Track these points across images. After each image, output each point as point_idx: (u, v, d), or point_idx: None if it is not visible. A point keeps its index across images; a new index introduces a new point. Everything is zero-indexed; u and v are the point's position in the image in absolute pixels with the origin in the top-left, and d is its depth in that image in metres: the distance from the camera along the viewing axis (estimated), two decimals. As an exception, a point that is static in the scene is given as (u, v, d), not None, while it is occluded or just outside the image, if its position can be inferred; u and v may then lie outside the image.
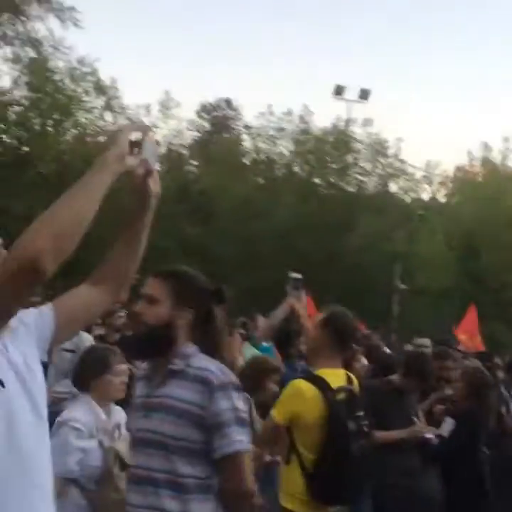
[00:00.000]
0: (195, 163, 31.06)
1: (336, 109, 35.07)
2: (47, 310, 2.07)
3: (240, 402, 2.47)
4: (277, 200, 25.92)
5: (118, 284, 2.23)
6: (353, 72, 55.77)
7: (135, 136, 1.99)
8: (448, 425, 5.05)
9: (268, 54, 54.37)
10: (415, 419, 5.00)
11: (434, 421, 5.27)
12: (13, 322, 1.90)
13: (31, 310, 2.06)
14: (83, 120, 25.57)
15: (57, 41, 24.41)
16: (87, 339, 6.25)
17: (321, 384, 3.75)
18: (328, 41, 53.44)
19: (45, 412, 1.98)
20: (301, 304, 4.74)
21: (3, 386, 1.84)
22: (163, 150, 27.22)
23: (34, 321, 2.03)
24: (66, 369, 5.65)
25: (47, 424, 2.00)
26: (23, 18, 24.28)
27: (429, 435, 4.91)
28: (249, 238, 24.77)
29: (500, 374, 7.21)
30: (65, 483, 3.29)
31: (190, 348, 2.54)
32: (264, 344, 6.94)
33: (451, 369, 6.02)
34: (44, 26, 24.41)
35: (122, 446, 3.37)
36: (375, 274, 24.92)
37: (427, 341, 9.90)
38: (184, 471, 2.41)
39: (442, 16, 54.53)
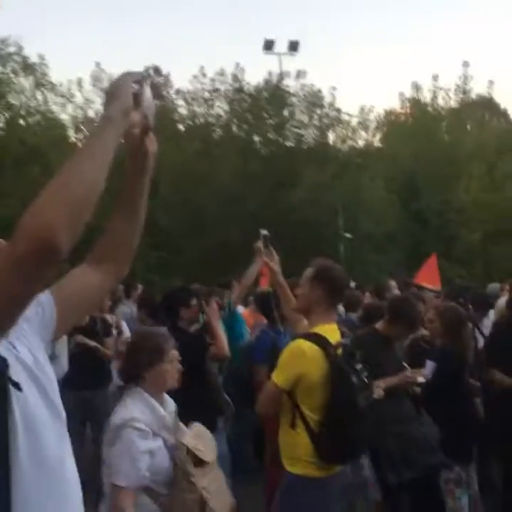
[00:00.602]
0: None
1: (267, 64, 34.98)
2: (45, 298, 1.82)
3: None
4: (219, 163, 26.01)
5: (121, 261, 2.01)
6: (281, 26, 55.20)
7: (134, 87, 1.72)
8: (429, 367, 4.93)
9: (194, 17, 53.16)
10: (405, 364, 4.91)
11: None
12: None
13: None
14: (14, 102, 25.13)
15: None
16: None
17: (321, 342, 3.59)
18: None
19: (63, 412, 1.77)
20: (274, 262, 4.44)
21: (20, 389, 1.61)
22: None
23: (34, 311, 1.76)
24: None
25: (66, 426, 1.78)
26: None
27: (420, 379, 4.83)
28: (194, 205, 24.88)
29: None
30: (136, 492, 2.99)
31: None
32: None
33: (422, 311, 5.83)
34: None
35: (191, 440, 3.12)
36: (321, 226, 25.31)
37: (393, 284, 9.72)
38: None
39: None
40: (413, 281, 10.80)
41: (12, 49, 24.48)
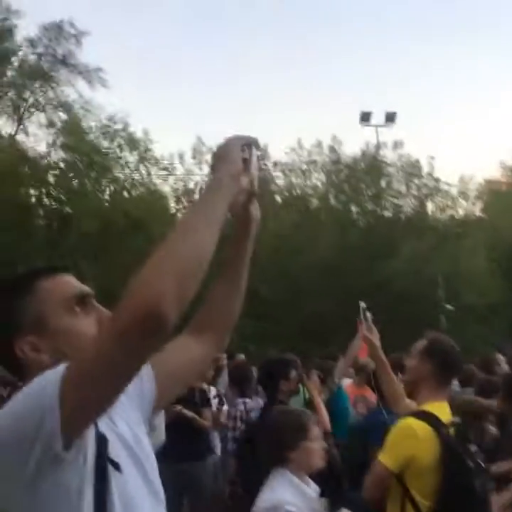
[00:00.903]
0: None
1: (364, 135, 35.28)
2: (145, 370, 1.70)
3: None
4: (315, 233, 26.13)
5: (222, 331, 1.92)
6: (378, 97, 55.74)
7: (242, 151, 1.68)
8: None
9: (290, 89, 54.43)
10: None
11: None
12: None
13: None
14: (120, 175, 26.21)
15: (87, 102, 25.22)
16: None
17: (432, 421, 3.36)
18: (348, 69, 53.48)
19: (161, 490, 1.66)
20: (373, 335, 4.31)
21: (119, 470, 1.52)
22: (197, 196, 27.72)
23: (133, 384, 1.58)
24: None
25: (163, 502, 1.68)
26: (53, 84, 25.15)
27: None
28: (292, 275, 24.95)
29: None
30: None
31: None
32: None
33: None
34: (73, 89, 25.27)
35: None
36: (421, 298, 24.85)
37: (500, 357, 9.24)
38: None
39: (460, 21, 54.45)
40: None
41: (119, 126, 25.68)
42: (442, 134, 52.69)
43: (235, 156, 1.64)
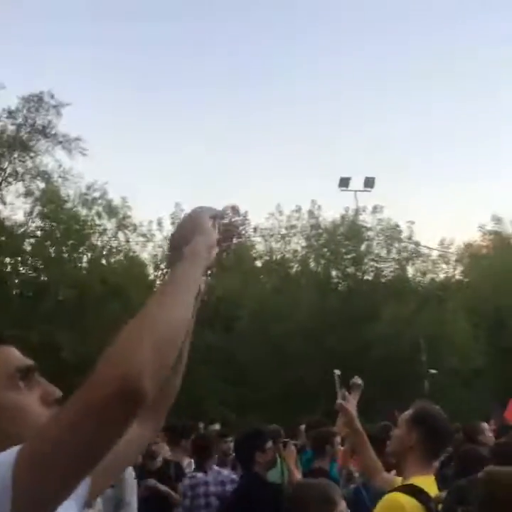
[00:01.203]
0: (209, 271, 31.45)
1: (343, 200, 35.56)
2: None
3: None
4: (296, 298, 26.02)
5: (161, 412, 1.81)
6: (356, 163, 56.60)
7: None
8: None
9: (267, 156, 55.18)
10: None
11: None
12: None
13: None
14: (97, 243, 26.11)
15: (66, 171, 25.31)
16: (127, 472, 5.51)
17: (420, 495, 3.16)
18: (327, 136, 54.45)
19: None
20: (349, 404, 4.07)
21: None
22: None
23: None
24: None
25: None
26: (32, 154, 25.24)
27: None
28: (272, 340, 24.71)
29: None
30: None
31: None
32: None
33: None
34: (52, 158, 25.36)
35: None
36: (404, 362, 24.64)
37: (485, 426, 9.18)
38: None
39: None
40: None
41: (97, 194, 25.71)
42: (421, 198, 53.33)
43: (209, 228, 1.66)
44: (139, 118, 50.36)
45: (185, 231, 1.67)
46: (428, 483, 3.27)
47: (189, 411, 13.58)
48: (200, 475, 6.10)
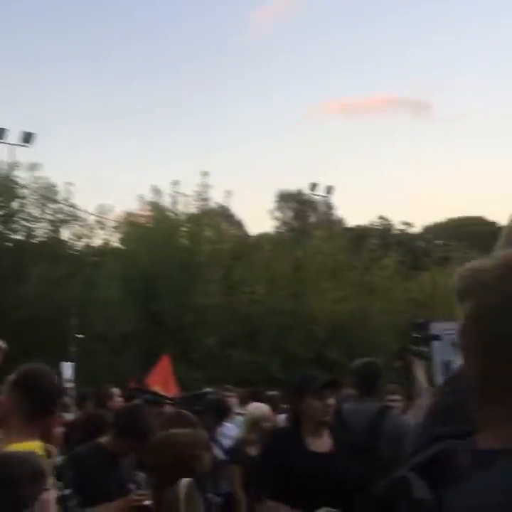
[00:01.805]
0: None
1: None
2: None
3: None
4: None
5: None
6: (14, 116, 53.38)
7: None
8: None
9: None
10: (132, 486, 4.50)
11: None
12: None
13: None
14: None
15: None
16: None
17: None
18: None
19: None
20: None
21: None
22: None
23: None
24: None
25: None
26: None
27: (147, 502, 4.26)
28: None
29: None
30: None
31: None
32: None
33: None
34: None
35: None
36: (51, 325, 23.47)
37: (115, 391, 8.84)
38: None
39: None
40: (143, 387, 9.90)
41: None
42: (80, 162, 52.01)
43: None
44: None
45: None
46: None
47: None
48: None
